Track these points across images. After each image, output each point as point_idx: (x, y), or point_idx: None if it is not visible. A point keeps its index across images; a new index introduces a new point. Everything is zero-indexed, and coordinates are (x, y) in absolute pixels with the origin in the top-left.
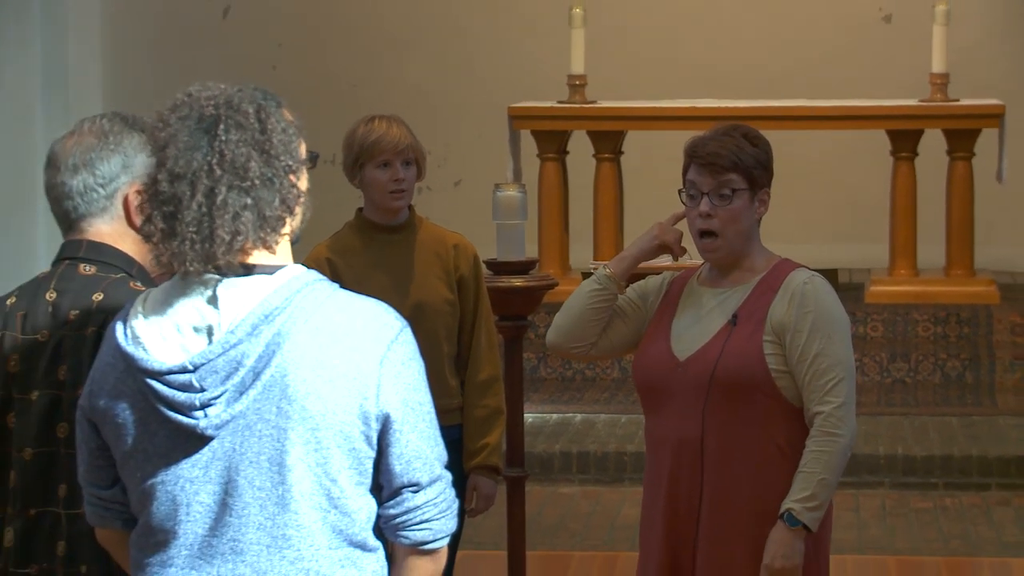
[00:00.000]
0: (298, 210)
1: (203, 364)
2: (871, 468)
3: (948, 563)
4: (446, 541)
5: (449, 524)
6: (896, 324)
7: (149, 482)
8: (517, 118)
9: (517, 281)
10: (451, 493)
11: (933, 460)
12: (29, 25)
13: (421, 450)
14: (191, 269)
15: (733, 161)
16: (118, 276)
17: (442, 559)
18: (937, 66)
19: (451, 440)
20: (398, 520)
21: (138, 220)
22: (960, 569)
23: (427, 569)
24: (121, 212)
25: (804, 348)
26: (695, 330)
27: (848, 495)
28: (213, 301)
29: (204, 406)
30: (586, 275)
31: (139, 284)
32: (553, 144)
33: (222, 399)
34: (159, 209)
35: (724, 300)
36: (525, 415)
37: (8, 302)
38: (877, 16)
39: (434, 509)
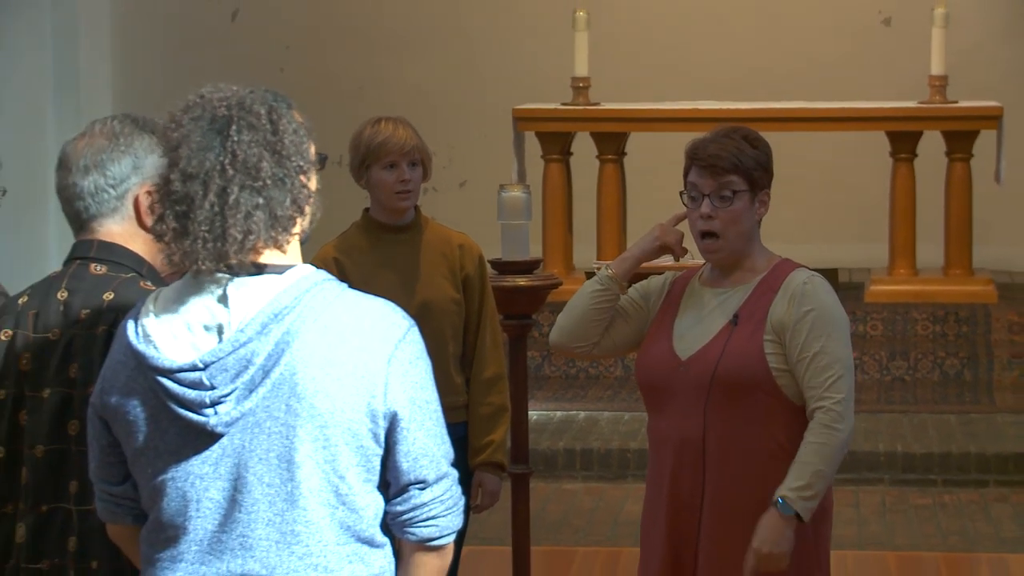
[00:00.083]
0: (308, 210)
1: (213, 362)
2: (871, 465)
3: (947, 559)
4: (453, 537)
5: (456, 521)
6: (895, 323)
7: (160, 478)
8: (521, 120)
9: (521, 280)
10: (457, 490)
11: (932, 457)
12: (40, 28)
13: (428, 448)
14: (203, 268)
15: (733, 163)
16: (128, 276)
17: (448, 555)
18: (936, 68)
19: (456, 437)
20: (405, 517)
21: (149, 220)
22: (958, 565)
23: (434, 565)
24: (131, 213)
25: (804, 346)
26: (697, 330)
27: (848, 492)
28: (223, 300)
29: (214, 404)
30: (589, 275)
31: (149, 284)
32: (557, 145)
33: (232, 397)
34: (171, 208)
35: (725, 300)
36: (529, 412)
37: (20, 301)
38: (877, 19)
39: (441, 506)
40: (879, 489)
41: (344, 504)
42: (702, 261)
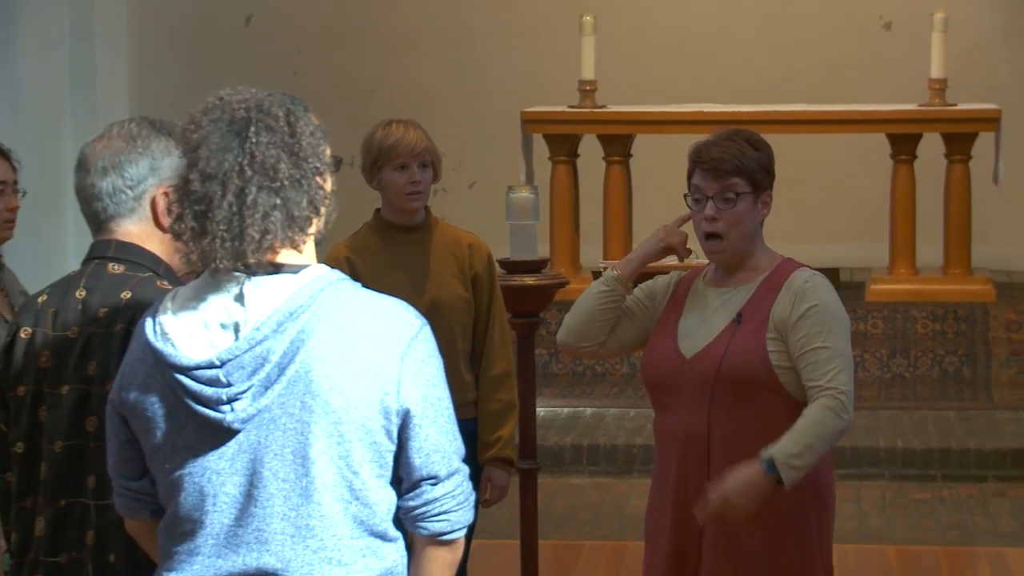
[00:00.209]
0: (324, 211)
1: (230, 360)
2: (871, 460)
3: (946, 552)
4: (464, 532)
5: (467, 515)
6: (896, 321)
7: (177, 473)
8: (530, 122)
9: (529, 280)
10: (468, 486)
11: (931, 453)
12: (58, 31)
13: (440, 444)
14: (221, 267)
15: (736, 165)
16: (145, 275)
17: (459, 549)
18: (936, 72)
19: (466, 433)
20: (417, 511)
21: (166, 221)
22: (957, 558)
23: (445, 559)
24: (149, 213)
25: (806, 340)
26: (701, 329)
27: (849, 487)
28: (240, 299)
29: (231, 400)
30: (596, 274)
31: (166, 283)
32: (564, 147)
33: (248, 394)
34: (190, 208)
35: (729, 299)
36: (537, 409)
37: (39, 300)
38: (878, 23)
39: (452, 501)
40: (879, 484)
41: (358, 499)
42: (706, 261)
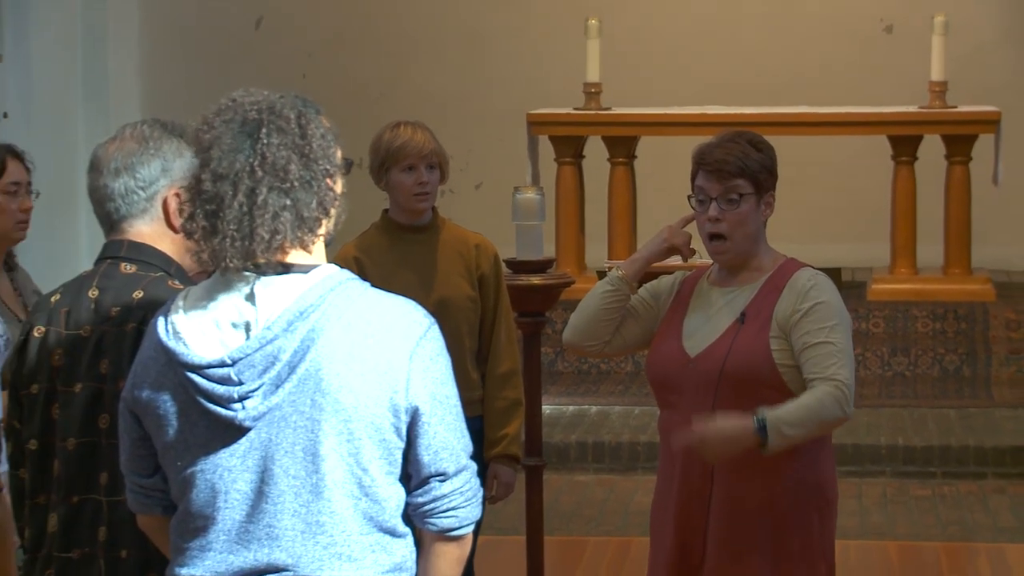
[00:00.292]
0: (333, 212)
1: (241, 358)
2: (873, 458)
3: (946, 548)
4: (472, 528)
5: (474, 512)
6: (896, 320)
7: (189, 471)
8: (535, 124)
9: (535, 279)
10: (476, 482)
11: (932, 450)
12: (70, 35)
13: (448, 441)
14: (231, 266)
15: (739, 167)
16: (157, 275)
17: (467, 545)
18: (936, 74)
19: (472, 430)
20: (426, 508)
21: (177, 221)
22: (957, 554)
23: (453, 554)
24: (160, 214)
25: (808, 337)
26: (705, 328)
27: (851, 483)
28: (251, 298)
29: (242, 399)
30: (601, 274)
31: (177, 282)
32: (570, 149)
33: (259, 392)
34: (202, 207)
35: (732, 299)
36: (543, 407)
37: (53, 299)
38: (878, 27)
39: (460, 497)
40: (881, 481)
41: (367, 495)
42: (710, 261)
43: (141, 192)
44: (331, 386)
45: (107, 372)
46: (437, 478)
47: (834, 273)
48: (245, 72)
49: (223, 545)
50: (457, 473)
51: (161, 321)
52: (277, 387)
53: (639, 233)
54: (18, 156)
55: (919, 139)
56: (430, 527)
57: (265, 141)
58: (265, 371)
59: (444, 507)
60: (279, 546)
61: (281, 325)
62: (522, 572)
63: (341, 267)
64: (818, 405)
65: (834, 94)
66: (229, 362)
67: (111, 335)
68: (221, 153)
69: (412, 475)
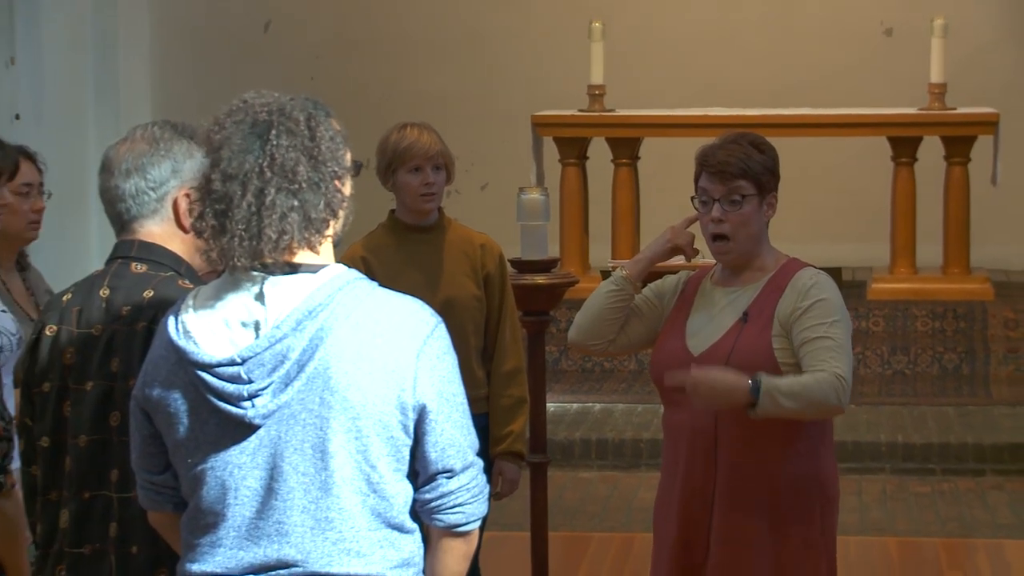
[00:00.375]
0: (341, 214)
1: (251, 357)
2: (873, 455)
3: (945, 544)
4: (478, 524)
5: (481, 508)
6: (896, 319)
7: (199, 468)
8: (540, 126)
9: (540, 279)
10: (483, 479)
11: (931, 447)
12: (82, 38)
13: (455, 438)
14: (239, 264)
15: (742, 168)
16: (167, 274)
17: (474, 540)
18: (935, 76)
19: (478, 428)
20: (433, 504)
21: (187, 221)
22: (956, 550)
23: (460, 550)
24: (171, 214)
25: (808, 332)
26: (708, 327)
27: (851, 480)
28: (260, 298)
29: (252, 397)
30: (605, 273)
31: (187, 282)
32: (574, 150)
33: (268, 390)
34: (211, 207)
35: (735, 299)
36: (547, 404)
37: (64, 298)
38: (879, 30)
39: (467, 494)
40: (881, 478)
41: (375, 492)
42: (713, 261)
43: (152, 193)
44: (340, 384)
45: (118, 370)
46: (444, 475)
47: (835, 273)
48: (253, 74)
49: (233, 541)
50: (464, 470)
51: (171, 320)
52: (286, 385)
53: (642, 233)
54: (30, 157)
55: (918, 140)
56: (437, 523)
57: (275, 143)
58: (274, 369)
59: (451, 503)
60: (289, 542)
61: (290, 324)
62: (527, 568)
63: (348, 266)
64: (816, 386)
65: (835, 96)
66: (239, 361)
67: (122, 334)
68: (231, 153)
69: (419, 472)
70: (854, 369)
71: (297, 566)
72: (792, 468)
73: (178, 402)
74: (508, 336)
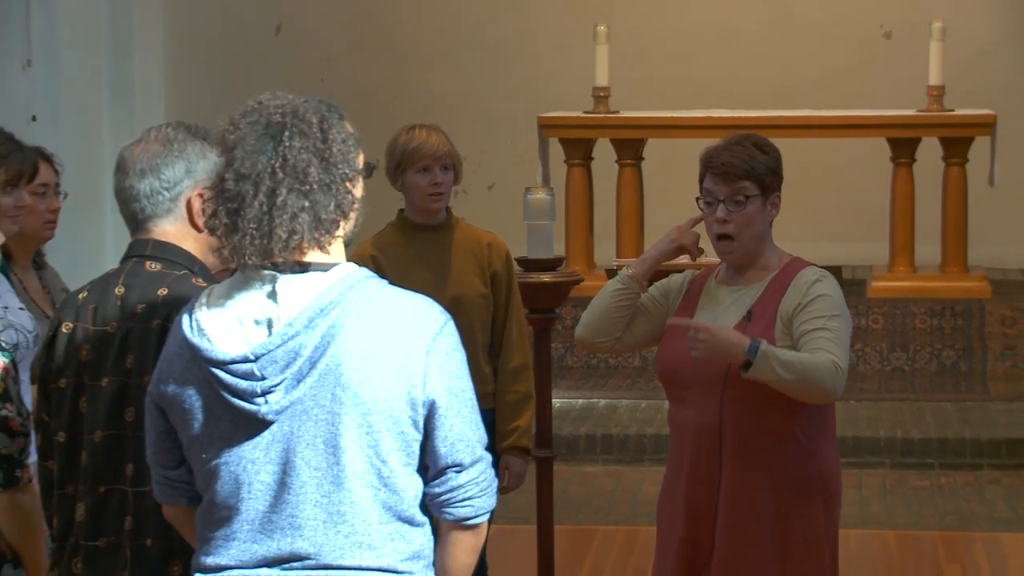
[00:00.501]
0: (352, 215)
1: (264, 354)
2: (872, 449)
3: (943, 537)
4: (487, 517)
5: (490, 501)
6: (895, 317)
7: (213, 463)
8: (546, 127)
9: (546, 277)
10: (491, 473)
11: (930, 442)
12: (97, 41)
13: (464, 433)
14: (250, 262)
15: (746, 169)
16: (181, 273)
17: (483, 533)
18: (934, 79)
19: (485, 423)
20: (443, 498)
21: (201, 219)
22: (954, 543)
23: (469, 543)
24: (184, 214)
25: (808, 324)
26: None
27: (851, 474)
28: (272, 296)
29: (265, 393)
30: (610, 272)
31: (200, 280)
32: (579, 151)
33: (281, 387)
34: (224, 205)
35: (739, 297)
36: (553, 400)
37: (80, 296)
38: (878, 33)
39: (476, 488)
40: (880, 472)
41: (386, 486)
42: (717, 260)
43: (166, 193)
44: (351, 380)
45: (132, 367)
46: (453, 469)
47: (835, 271)
48: (265, 76)
49: (247, 535)
50: (473, 464)
51: (186, 318)
52: (299, 382)
53: (646, 232)
54: (47, 158)
55: (917, 142)
56: (447, 516)
57: (287, 144)
58: (287, 366)
59: (460, 497)
60: (301, 535)
61: (302, 322)
62: (533, 560)
63: (359, 265)
64: (813, 364)
65: (835, 98)
66: (252, 358)
67: (137, 331)
68: (244, 154)
69: (429, 466)
70: (854, 366)
71: (310, 559)
72: (796, 464)
73: (192, 398)
74: (514, 333)
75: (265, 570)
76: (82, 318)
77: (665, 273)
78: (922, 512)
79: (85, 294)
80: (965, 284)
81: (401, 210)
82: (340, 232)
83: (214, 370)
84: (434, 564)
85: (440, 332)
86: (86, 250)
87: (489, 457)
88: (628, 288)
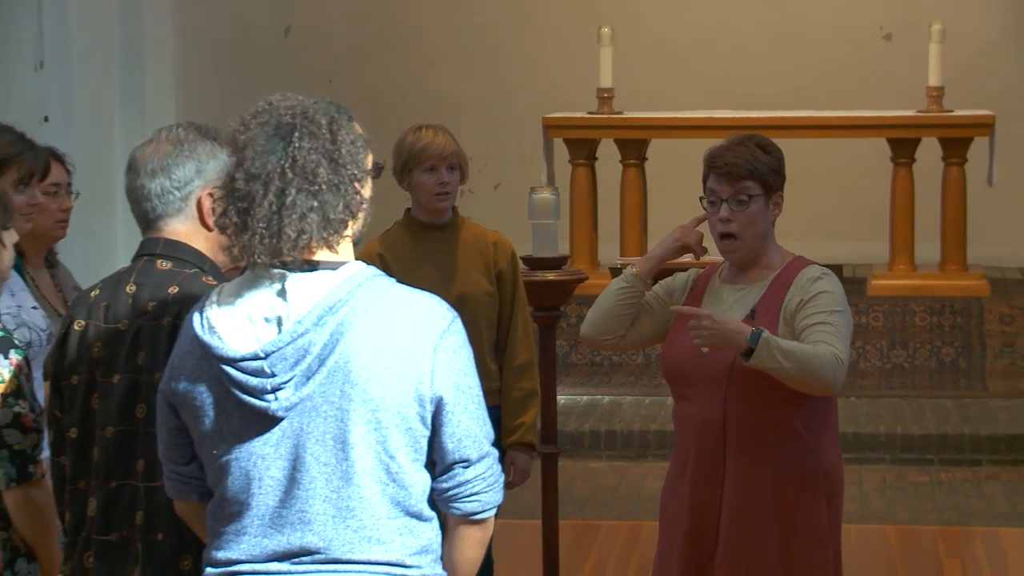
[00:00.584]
0: (360, 215)
1: (273, 352)
2: (873, 445)
3: (943, 532)
4: (494, 512)
5: (496, 496)
6: (895, 315)
7: (224, 459)
8: (551, 127)
9: (551, 275)
10: (498, 468)
11: (929, 438)
12: (108, 42)
13: (471, 429)
14: (259, 261)
15: (749, 169)
16: (192, 271)
17: (490, 528)
18: (933, 80)
19: (490, 419)
20: (450, 493)
21: (211, 219)
22: (954, 537)
23: (476, 537)
24: (195, 213)
25: (810, 319)
26: None
27: (852, 470)
28: (282, 294)
29: (275, 390)
30: (614, 270)
31: (211, 279)
32: (583, 151)
33: (291, 383)
34: (234, 204)
35: (743, 296)
36: (558, 397)
37: (92, 294)
38: (878, 34)
39: (483, 483)
40: (880, 468)
41: (394, 481)
42: (721, 258)
43: (176, 192)
44: (359, 377)
45: (144, 364)
46: (461, 464)
47: (836, 270)
48: (274, 78)
49: (257, 529)
50: (480, 459)
51: (196, 316)
52: (308, 379)
53: (650, 231)
54: (59, 158)
55: (917, 142)
56: (454, 511)
57: (297, 145)
58: (296, 363)
59: (468, 492)
60: (311, 530)
61: (311, 319)
62: (538, 555)
63: (366, 263)
64: (814, 355)
65: (836, 99)
66: (262, 355)
67: (148, 329)
68: (255, 154)
69: (437, 462)
70: (854, 363)
71: (319, 553)
72: (799, 460)
73: (203, 395)
74: (520, 331)
75: (275, 564)
76: (94, 316)
77: (669, 272)
78: (922, 507)
79: (97, 292)
80: (964, 282)
81: (408, 209)
82: (348, 232)
83: (225, 367)
84: (442, 558)
85: (447, 329)
86: (98, 249)
87: (496, 453)
88: (632, 286)
